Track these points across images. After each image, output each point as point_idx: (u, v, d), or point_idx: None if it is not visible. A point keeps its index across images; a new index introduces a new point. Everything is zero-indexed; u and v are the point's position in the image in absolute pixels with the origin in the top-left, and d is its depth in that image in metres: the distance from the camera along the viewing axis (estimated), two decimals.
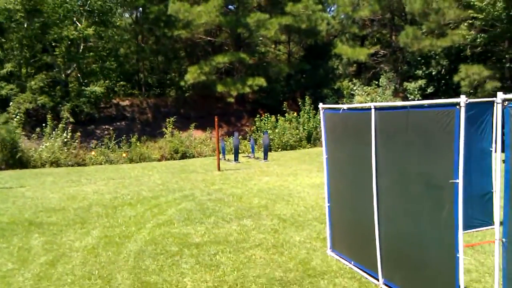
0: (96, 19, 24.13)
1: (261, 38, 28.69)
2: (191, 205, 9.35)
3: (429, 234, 4.35)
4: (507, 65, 19.59)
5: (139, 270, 5.80)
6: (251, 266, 5.86)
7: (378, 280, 5.15)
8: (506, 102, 3.50)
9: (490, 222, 7.08)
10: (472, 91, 19.20)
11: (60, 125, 17.60)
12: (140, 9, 27.90)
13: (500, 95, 3.51)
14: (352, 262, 5.72)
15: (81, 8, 23.36)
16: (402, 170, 4.67)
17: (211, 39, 28.27)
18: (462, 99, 3.77)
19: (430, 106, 4.25)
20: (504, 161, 3.65)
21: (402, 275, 4.82)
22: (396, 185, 4.77)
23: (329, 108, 6.08)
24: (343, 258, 5.95)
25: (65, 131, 17.55)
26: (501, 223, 3.77)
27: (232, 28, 25.48)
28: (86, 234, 7.40)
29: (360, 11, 25.41)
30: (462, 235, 3.92)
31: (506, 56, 19.75)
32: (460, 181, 3.88)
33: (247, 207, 9.03)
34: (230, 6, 27.63)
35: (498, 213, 3.93)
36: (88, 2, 23.34)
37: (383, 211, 4.99)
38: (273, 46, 32.49)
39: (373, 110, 4.93)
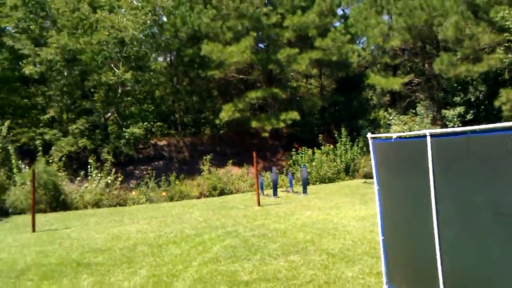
0: (133, 64, 25.04)
1: (292, 74, 28.96)
2: (235, 241, 9.23)
3: (500, 266, 4.07)
4: None
5: None
6: None
7: None
8: None
9: None
10: None
11: (104, 166, 18.06)
12: (174, 52, 28.84)
13: None
14: None
15: (118, 55, 24.34)
16: (465, 199, 4.43)
17: (243, 77, 28.76)
18: None
19: (493, 130, 4.07)
20: None
21: None
22: (459, 215, 4.52)
23: (379, 138, 5.95)
24: None
25: (109, 173, 17.96)
26: None
27: (263, 65, 25.87)
28: (134, 273, 7.37)
29: (391, 41, 25.35)
30: None
31: None
32: None
33: (292, 243, 8.84)
34: (260, 45, 28.20)
35: None
36: (125, 49, 24.31)
37: (445, 244, 4.73)
38: (304, 80, 32.72)
39: (428, 137, 4.78)
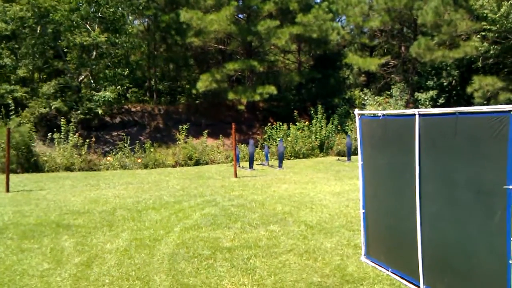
0: (109, 26, 24.34)
1: (272, 47, 28.86)
2: (215, 210, 9.37)
3: (478, 241, 4.35)
4: None
5: (176, 272, 5.82)
6: (287, 271, 5.87)
7: (419, 287, 5.15)
8: None
9: None
10: (485, 102, 19.27)
11: (72, 129, 17.71)
12: (152, 17, 28.15)
13: None
14: (390, 269, 5.71)
15: (93, 15, 23.57)
16: (448, 176, 4.68)
17: (222, 47, 28.49)
18: None
19: (481, 112, 4.28)
20: None
21: (446, 282, 4.81)
22: (442, 192, 4.78)
23: (366, 114, 6.13)
24: (379, 265, 5.95)
25: (82, 137, 17.65)
26: None
27: (242, 36, 25.64)
28: (116, 236, 7.43)
29: (370, 22, 25.57)
30: None
31: None
32: None
33: (271, 213, 9.05)
34: (240, 15, 27.88)
35: None
36: (101, 9, 23.56)
37: (427, 218, 5.00)
38: (282, 55, 32.67)
39: (417, 116, 4.98)
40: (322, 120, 21.85)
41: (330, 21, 25.54)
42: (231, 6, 23.32)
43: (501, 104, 18.33)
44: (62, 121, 18.09)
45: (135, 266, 6.05)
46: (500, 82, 19.28)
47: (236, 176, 14.23)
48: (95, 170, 17.05)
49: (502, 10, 18.01)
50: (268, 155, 18.23)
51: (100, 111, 22.37)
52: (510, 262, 3.95)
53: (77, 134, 17.90)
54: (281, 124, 21.89)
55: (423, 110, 5.00)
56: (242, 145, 20.59)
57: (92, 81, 24.34)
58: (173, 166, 18.02)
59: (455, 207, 4.60)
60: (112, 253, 6.60)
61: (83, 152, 17.35)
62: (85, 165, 17.09)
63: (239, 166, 16.43)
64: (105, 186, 12.64)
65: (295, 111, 23.20)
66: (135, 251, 6.68)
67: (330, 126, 21.91)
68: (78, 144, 17.48)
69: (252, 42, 26.57)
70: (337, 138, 21.91)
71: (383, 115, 5.67)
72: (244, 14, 27.65)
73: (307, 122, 22.01)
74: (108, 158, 17.61)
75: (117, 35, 24.44)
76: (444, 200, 4.76)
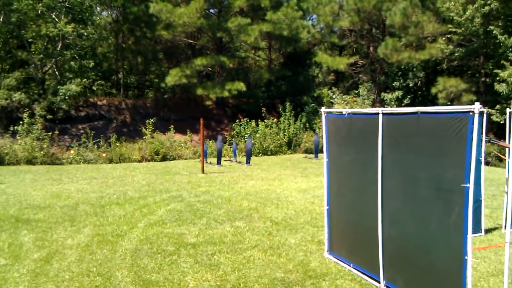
0: (75, 17, 23.67)
1: (242, 43, 28.78)
2: (180, 206, 9.29)
3: (436, 236, 4.48)
4: (482, 79, 20.33)
5: (138, 268, 5.73)
6: (251, 267, 5.88)
7: (379, 282, 5.26)
8: None
9: (478, 230, 7.34)
10: (448, 103, 19.84)
11: (36, 122, 17.18)
12: (121, 8, 27.53)
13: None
14: (352, 265, 5.81)
15: (60, 4, 22.87)
16: (409, 173, 4.79)
17: (192, 41, 28.20)
18: (476, 106, 3.94)
19: (442, 112, 4.39)
20: None
21: (406, 277, 4.93)
22: (403, 188, 4.89)
23: (332, 112, 6.19)
24: (341, 261, 6.04)
25: (45, 129, 17.13)
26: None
27: (213, 32, 25.44)
28: (77, 232, 7.26)
29: (340, 21, 25.81)
30: (471, 238, 4.07)
31: (481, 70, 20.51)
32: (471, 185, 4.03)
33: (237, 210, 9.04)
34: (211, 10, 27.67)
35: (509, 218, 4.10)
36: None
37: (388, 214, 5.11)
38: (253, 52, 32.65)
39: (381, 115, 5.06)
40: (290, 118, 21.99)
41: (300, 19, 25.64)
42: (201, 0, 23.08)
43: (464, 105, 18.94)
44: (25, 114, 17.50)
45: (96, 262, 5.93)
46: (463, 84, 19.90)
47: (203, 172, 14.14)
48: (58, 164, 16.59)
49: (467, 13, 18.57)
50: (236, 151, 18.21)
51: (64, 105, 21.77)
52: (466, 257, 4.07)
53: (39, 126, 17.35)
54: (247, 120, 21.90)
55: (387, 109, 5.09)
56: (210, 141, 20.50)
57: (57, 72, 23.63)
58: (139, 161, 17.75)
59: (416, 204, 4.72)
60: (73, 248, 6.45)
61: (45, 146, 16.84)
62: (47, 158, 16.61)
63: (207, 162, 16.33)
64: (67, 181, 12.33)
65: (263, 108, 23.26)
66: (97, 246, 6.55)
67: (299, 124, 22.07)
68: (41, 137, 16.96)
69: (222, 38, 26.41)
70: (305, 135, 22.10)
71: (348, 113, 5.75)
72: (215, 9, 27.45)
73: (275, 119, 22.10)
74: (71, 152, 17.15)
75: (84, 26, 23.81)
76: (405, 197, 4.87)
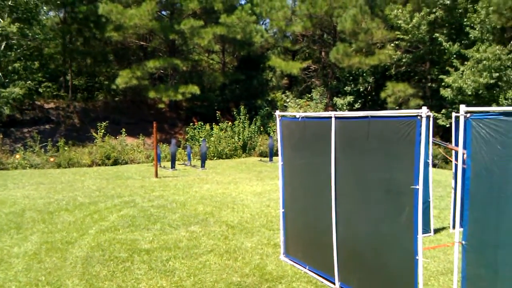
0: (20, 16, 22.64)
1: (195, 46, 28.58)
2: (133, 211, 9.08)
3: (388, 237, 4.62)
4: (428, 84, 21.26)
5: (90, 276, 5.55)
6: (207, 272, 5.84)
7: (334, 283, 5.36)
8: (468, 114, 3.89)
9: (427, 230, 7.64)
10: (397, 107, 20.58)
11: None
12: (69, 8, 26.60)
13: (463, 107, 3.89)
14: (307, 267, 5.89)
15: (3, 3, 21.80)
16: (361, 176, 4.92)
17: (143, 43, 27.70)
18: (424, 111, 4.12)
19: (391, 116, 4.56)
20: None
21: (359, 277, 5.05)
22: (355, 191, 5.02)
23: (286, 116, 6.27)
24: (297, 263, 6.12)
25: None
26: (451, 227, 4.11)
27: (165, 34, 25.10)
28: (24, 239, 6.93)
29: (293, 26, 26.23)
30: (421, 238, 4.23)
31: (428, 76, 21.44)
32: (420, 187, 4.21)
33: (192, 214, 8.95)
34: (163, 12, 27.32)
35: (456, 217, 4.30)
36: None
37: (341, 216, 5.22)
38: (206, 55, 32.49)
39: (333, 119, 5.18)
40: (245, 121, 22.05)
41: (254, 23, 25.82)
42: (152, 1, 22.72)
43: (412, 109, 19.73)
44: None
45: (45, 270, 5.68)
46: (411, 89, 20.72)
47: (157, 176, 13.90)
48: (2, 169, 15.78)
49: (414, 21, 19.38)
50: (191, 155, 18.03)
51: (7, 110, 20.75)
52: (417, 258, 4.23)
53: None
54: (201, 124, 21.78)
55: (339, 113, 5.21)
56: (164, 145, 20.20)
57: (0, 74, 22.47)
58: (89, 166, 17.19)
59: (368, 206, 4.85)
60: (20, 257, 6.15)
61: None
62: None
63: (160, 166, 16.08)
64: (13, 186, 11.75)
65: (218, 111, 23.19)
66: (46, 254, 6.28)
67: (253, 127, 22.17)
68: None
69: (175, 40, 26.12)
70: (260, 139, 22.23)
71: (302, 117, 5.84)
72: (167, 11, 27.12)
73: (230, 123, 22.09)
74: (17, 156, 16.36)
75: (30, 26, 22.80)
76: (358, 199, 5.00)
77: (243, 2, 28.18)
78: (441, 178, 13.90)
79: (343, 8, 22.27)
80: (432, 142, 8.00)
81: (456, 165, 7.80)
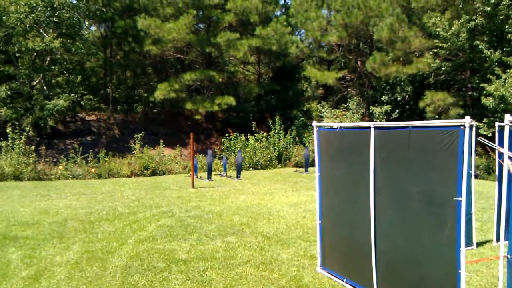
0: (64, 31, 23.62)
1: (231, 58, 28.92)
2: (171, 221, 9.20)
3: (429, 250, 4.48)
4: (469, 93, 20.60)
5: (129, 285, 5.64)
6: (243, 283, 5.82)
7: None
8: None
9: (470, 243, 7.35)
10: (436, 117, 20.03)
11: (23, 138, 16.99)
12: (109, 23, 27.55)
13: (508, 117, 3.74)
14: (345, 280, 5.78)
15: (48, 19, 22.81)
16: (401, 187, 4.80)
17: (181, 56, 28.27)
18: (467, 120, 3.99)
19: (433, 126, 4.44)
20: None
21: None
22: (395, 203, 4.90)
23: (324, 126, 6.22)
24: (334, 276, 6.01)
25: (27, 145, 16.92)
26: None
27: (202, 47, 25.56)
28: (66, 248, 7.14)
29: (328, 36, 26.09)
30: (464, 252, 4.08)
31: (468, 84, 20.79)
32: (463, 199, 4.06)
33: (228, 225, 8.98)
34: (200, 25, 27.82)
35: (500, 230, 4.12)
36: (57, 13, 22.82)
37: (381, 228, 5.10)
38: (242, 66, 32.80)
39: (372, 129, 5.10)
40: (280, 132, 22.05)
41: (289, 34, 25.91)
42: (190, 15, 23.19)
43: (452, 118, 19.16)
44: (8, 129, 17.28)
45: (86, 279, 5.82)
46: (450, 98, 20.13)
47: (193, 186, 14.06)
48: (45, 180, 16.37)
49: (453, 28, 18.87)
50: (227, 165, 18.15)
51: (51, 121, 21.60)
52: (460, 271, 4.08)
53: (22, 141, 17.06)
54: (237, 134, 21.91)
55: (378, 123, 5.12)
56: (200, 155, 20.42)
57: (45, 87, 23.47)
58: (129, 176, 17.58)
59: (408, 218, 4.72)
60: (62, 266, 6.33)
61: (31, 161, 16.65)
62: (34, 174, 16.40)
63: (197, 177, 16.25)
64: (56, 196, 12.16)
65: (253, 122, 23.29)
66: (87, 263, 6.44)
67: (288, 138, 22.12)
68: (27, 152, 16.74)
69: (211, 52, 26.53)
70: (295, 149, 22.14)
71: (340, 127, 5.77)
72: (204, 24, 27.60)
73: (265, 133, 22.14)
74: (60, 167, 16.95)
75: (72, 40, 23.75)
76: (397, 211, 4.87)
77: (278, 14, 28.31)
78: (483, 189, 13.40)
79: (379, 17, 21.98)
80: (476, 141, 7.69)
81: (500, 176, 7.49)
